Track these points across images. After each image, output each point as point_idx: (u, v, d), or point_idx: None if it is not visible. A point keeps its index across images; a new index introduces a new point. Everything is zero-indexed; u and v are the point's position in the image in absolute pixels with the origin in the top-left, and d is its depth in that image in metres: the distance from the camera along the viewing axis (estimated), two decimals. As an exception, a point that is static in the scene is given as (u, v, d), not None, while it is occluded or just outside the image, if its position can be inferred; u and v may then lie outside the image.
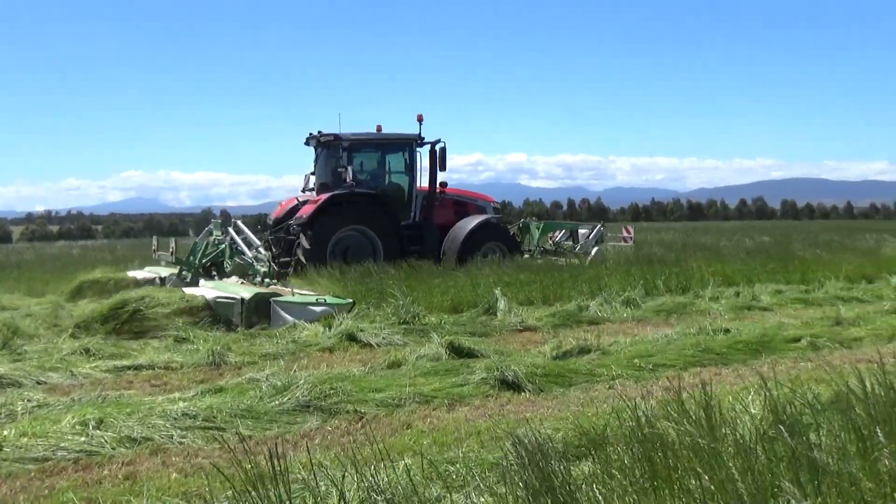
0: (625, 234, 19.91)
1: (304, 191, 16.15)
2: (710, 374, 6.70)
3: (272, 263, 12.27)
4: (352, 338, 8.30)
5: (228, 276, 12.55)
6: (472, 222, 15.57)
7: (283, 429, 5.17)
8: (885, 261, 15.46)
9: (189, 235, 16.52)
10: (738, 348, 7.54)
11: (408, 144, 15.70)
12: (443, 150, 15.58)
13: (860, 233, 31.34)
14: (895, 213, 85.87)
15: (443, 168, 15.74)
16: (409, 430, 5.14)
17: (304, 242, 14.10)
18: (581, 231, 18.33)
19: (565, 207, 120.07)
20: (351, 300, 9.91)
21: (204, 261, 13.08)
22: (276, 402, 5.51)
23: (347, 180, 14.91)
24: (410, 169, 15.74)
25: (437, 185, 15.87)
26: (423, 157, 15.55)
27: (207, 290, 10.54)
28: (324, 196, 14.63)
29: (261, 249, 12.68)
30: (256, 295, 9.73)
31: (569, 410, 5.43)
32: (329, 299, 9.82)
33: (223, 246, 13.09)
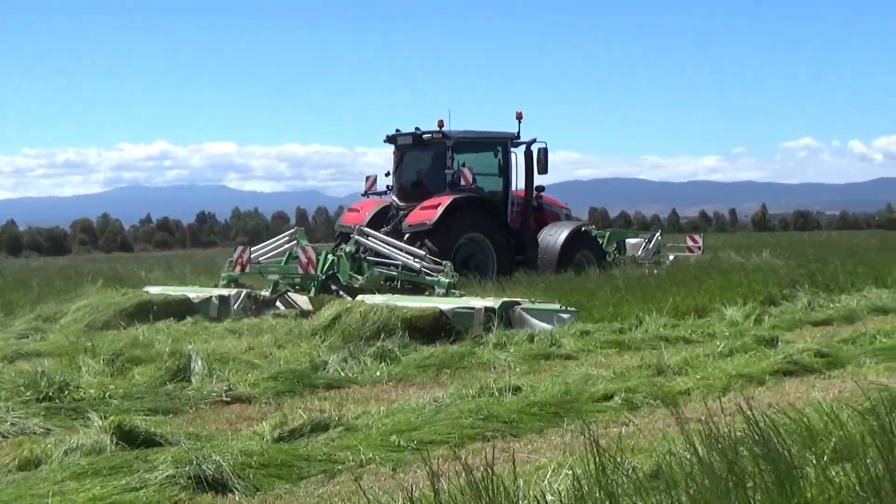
0: (690, 243, 25.32)
1: (366, 194, 20.78)
2: (496, 450, 7.04)
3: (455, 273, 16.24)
4: (-43, 425, 7.80)
5: (360, 287, 16.18)
6: (562, 230, 20.59)
7: None
8: (719, 288, 17.05)
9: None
10: (533, 412, 7.99)
11: (503, 144, 20.62)
12: (543, 150, 20.37)
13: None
14: (730, 222, 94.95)
15: (542, 171, 20.52)
16: (53, 564, 4.92)
17: (431, 249, 17.78)
18: (632, 241, 23.64)
19: (293, 220, 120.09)
20: (574, 309, 13.72)
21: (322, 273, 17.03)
22: None
23: (464, 182, 19.41)
24: (505, 171, 20.63)
25: (534, 190, 20.84)
26: (518, 158, 20.62)
27: (430, 302, 14.16)
28: (444, 199, 18.93)
29: (433, 258, 16.91)
30: (504, 303, 13.56)
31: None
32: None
33: (331, 257, 17.35)
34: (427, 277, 16.35)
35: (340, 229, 20.48)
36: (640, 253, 22.99)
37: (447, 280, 15.96)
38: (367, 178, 20.70)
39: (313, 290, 16.86)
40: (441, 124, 20.37)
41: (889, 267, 20.69)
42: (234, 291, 16.82)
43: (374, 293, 15.27)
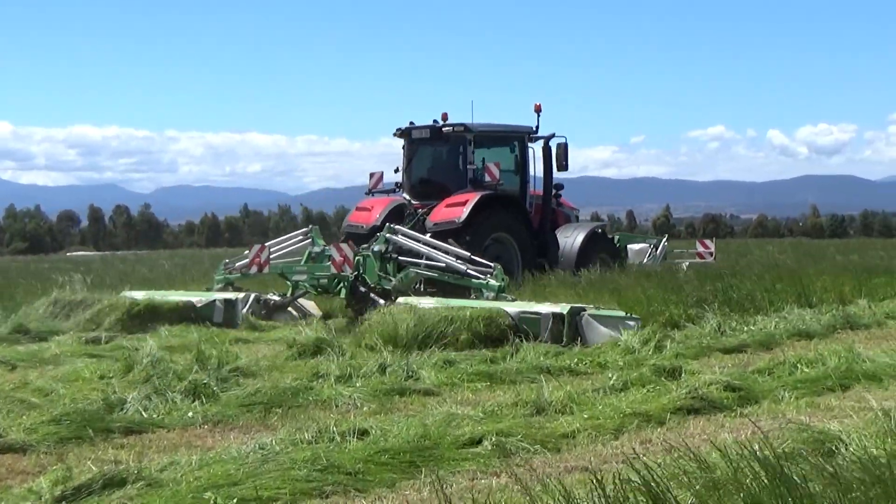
0: (701, 248, 28.91)
1: (371, 192, 23.55)
2: (338, 510, 7.05)
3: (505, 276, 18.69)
4: None
5: (393, 289, 18.54)
6: (578, 232, 24.16)
7: None
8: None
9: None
10: (383, 461, 8.01)
11: (520, 138, 23.95)
12: (563, 146, 23.96)
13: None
14: (628, 227, 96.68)
15: (562, 168, 24.00)
16: None
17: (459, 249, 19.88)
18: (634, 247, 26.74)
19: (85, 222, 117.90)
20: (638, 318, 15.80)
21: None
22: None
23: (489, 179, 22.21)
24: (523, 167, 23.95)
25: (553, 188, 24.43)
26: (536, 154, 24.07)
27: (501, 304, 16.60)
28: (470, 196, 21.82)
29: (480, 259, 19.23)
30: (572, 309, 15.69)
31: None
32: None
33: (357, 257, 19.12)
34: (474, 280, 18.74)
35: (349, 229, 22.94)
36: (646, 260, 25.74)
37: (497, 283, 18.22)
38: (372, 174, 23.50)
39: (343, 291, 19.14)
40: (445, 117, 23.36)
41: (814, 282, 21.27)
42: (241, 295, 19.14)
43: (410, 295, 17.86)
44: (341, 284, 19.16)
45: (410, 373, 12.40)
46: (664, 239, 28.13)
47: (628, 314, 15.82)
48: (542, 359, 13.57)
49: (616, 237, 26.92)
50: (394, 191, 23.80)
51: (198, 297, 19.01)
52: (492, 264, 18.85)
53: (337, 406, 10.77)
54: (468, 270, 18.86)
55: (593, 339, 15.30)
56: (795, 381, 11.61)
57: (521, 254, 22.40)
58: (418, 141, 23.65)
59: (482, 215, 21.61)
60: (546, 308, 15.95)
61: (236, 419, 10.29)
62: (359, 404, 10.84)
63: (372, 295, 18.74)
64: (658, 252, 26.73)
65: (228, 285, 20.68)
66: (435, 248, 19.57)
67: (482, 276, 18.68)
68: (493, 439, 8.67)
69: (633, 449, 8.66)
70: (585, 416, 9.77)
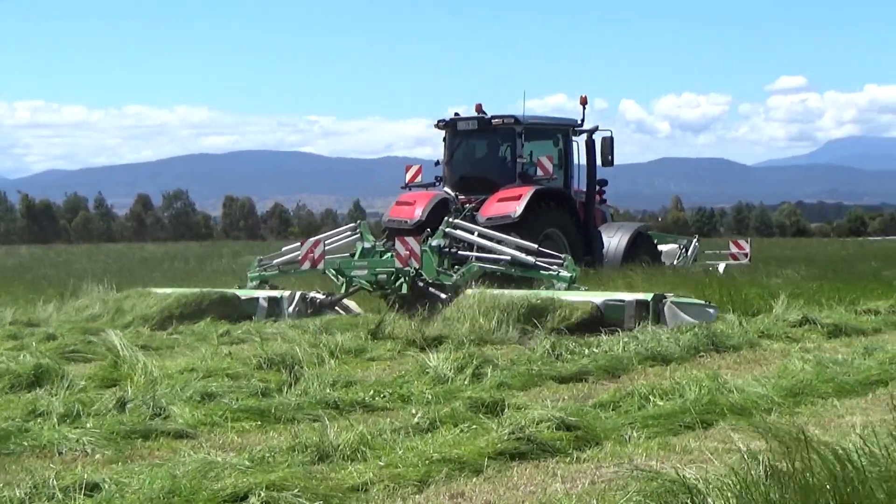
0: (735, 249, 33.82)
1: (408, 187, 28.23)
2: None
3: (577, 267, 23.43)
4: None
5: (454, 284, 22.80)
6: (621, 232, 29.62)
7: None
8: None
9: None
10: (114, 525, 7.91)
11: (565, 132, 29.49)
12: (608, 139, 29.29)
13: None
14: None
15: (607, 163, 29.26)
16: None
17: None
18: (663, 247, 30.94)
19: None
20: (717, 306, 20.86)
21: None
22: None
23: (541, 173, 27.80)
24: (567, 161, 29.37)
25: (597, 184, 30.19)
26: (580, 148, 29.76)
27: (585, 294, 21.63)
28: (524, 190, 26.77)
29: (548, 251, 23.92)
30: (656, 296, 20.19)
31: None
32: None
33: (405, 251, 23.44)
34: (543, 272, 23.11)
35: (391, 225, 27.49)
36: (676, 261, 29.98)
37: (569, 274, 22.57)
38: (409, 167, 28.71)
39: (405, 286, 23.09)
40: (479, 108, 28.41)
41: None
42: (286, 293, 23.51)
43: (474, 288, 21.95)
44: (401, 280, 23.17)
45: (158, 409, 12.22)
46: (695, 239, 32.81)
47: (707, 302, 20.51)
48: (328, 391, 13.53)
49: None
50: (433, 184, 28.61)
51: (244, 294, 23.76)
52: (561, 255, 23.39)
53: (60, 453, 10.61)
54: (537, 262, 23.17)
55: (674, 325, 19.32)
56: (646, 417, 11.86)
57: (570, 251, 26.05)
58: (463, 133, 28.75)
59: (536, 210, 26.38)
60: (630, 296, 20.52)
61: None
62: (89, 451, 10.69)
63: (432, 290, 22.79)
64: (689, 253, 31.63)
65: (264, 283, 25.35)
66: (497, 241, 24.15)
67: (551, 269, 22.98)
68: (263, 494, 8.59)
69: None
70: (382, 463, 9.79)
